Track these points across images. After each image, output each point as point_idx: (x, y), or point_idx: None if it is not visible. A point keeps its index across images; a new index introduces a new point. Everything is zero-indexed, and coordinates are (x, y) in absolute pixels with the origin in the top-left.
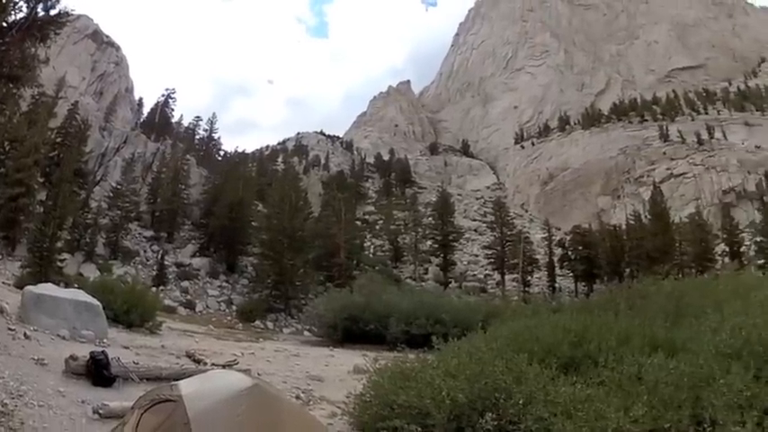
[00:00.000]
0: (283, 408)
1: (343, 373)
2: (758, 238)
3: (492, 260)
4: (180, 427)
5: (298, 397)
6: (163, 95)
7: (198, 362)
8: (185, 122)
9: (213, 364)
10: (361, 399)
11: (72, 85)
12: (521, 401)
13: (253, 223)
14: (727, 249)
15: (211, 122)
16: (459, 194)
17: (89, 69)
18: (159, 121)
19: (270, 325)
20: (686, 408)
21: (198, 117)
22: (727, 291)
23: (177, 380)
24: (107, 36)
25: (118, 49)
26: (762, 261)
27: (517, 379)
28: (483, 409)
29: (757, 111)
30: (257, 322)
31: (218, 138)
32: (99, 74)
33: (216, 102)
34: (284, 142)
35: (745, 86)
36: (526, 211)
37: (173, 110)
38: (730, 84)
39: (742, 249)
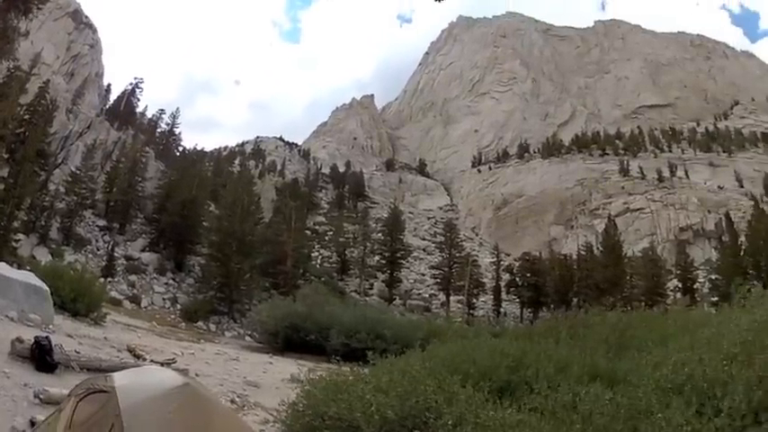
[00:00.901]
0: (214, 410)
1: (279, 380)
2: (713, 276)
3: (438, 280)
4: (112, 418)
5: (233, 401)
6: (131, 84)
7: (138, 357)
8: (149, 114)
9: (152, 361)
10: (294, 407)
11: (46, 62)
12: (450, 422)
13: (204, 223)
14: (680, 285)
15: (174, 117)
16: (410, 213)
17: (65, 48)
18: (124, 110)
19: (212, 327)
20: None
21: (162, 110)
22: (675, 326)
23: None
24: (86, 16)
25: (95, 31)
26: (716, 298)
27: (448, 400)
28: (412, 426)
29: (724, 152)
30: (200, 323)
31: (179, 133)
32: (73, 54)
33: (182, 96)
34: (243, 144)
35: (714, 128)
36: (477, 235)
37: (138, 100)
38: (698, 124)
39: (695, 286)
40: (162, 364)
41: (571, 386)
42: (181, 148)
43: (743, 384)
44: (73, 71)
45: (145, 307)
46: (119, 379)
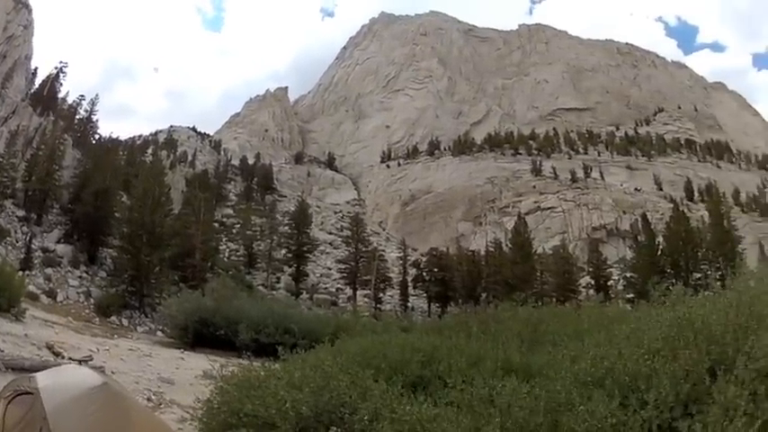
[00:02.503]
0: (133, 410)
1: (192, 377)
2: (628, 274)
3: (345, 274)
4: (39, 421)
5: (149, 399)
6: (56, 68)
7: (57, 355)
8: (70, 100)
9: (70, 359)
10: (209, 405)
11: None
12: (366, 418)
13: (116, 214)
14: (593, 282)
15: (93, 103)
16: (318, 206)
17: (1, 29)
18: (47, 96)
19: (125, 322)
20: (544, 431)
21: (82, 96)
22: (589, 321)
23: (38, 371)
24: None
25: (30, 11)
26: (631, 295)
27: (363, 395)
28: (328, 423)
29: (643, 156)
30: (113, 318)
31: (97, 120)
32: (8, 35)
33: (103, 82)
34: (156, 134)
35: (635, 132)
36: (383, 230)
37: (61, 84)
38: (618, 128)
39: (609, 283)
40: (79, 362)
41: (486, 380)
42: (97, 136)
43: (669, 378)
44: (5, 53)
45: (60, 301)
46: (41, 380)
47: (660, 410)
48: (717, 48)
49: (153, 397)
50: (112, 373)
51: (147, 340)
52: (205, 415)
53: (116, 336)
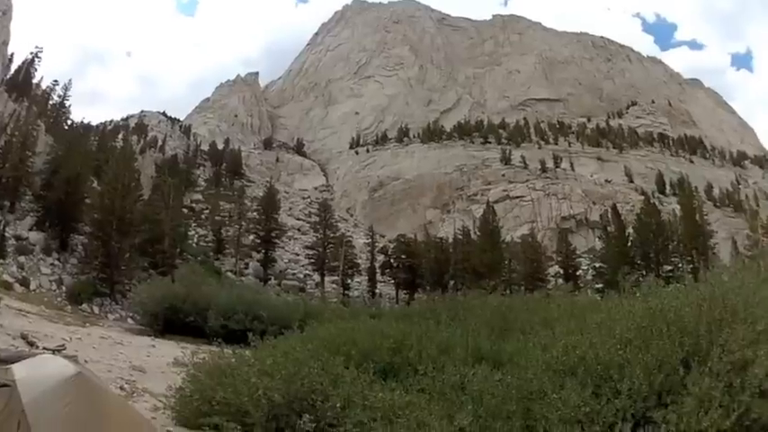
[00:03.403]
0: (107, 400)
1: (164, 364)
2: (597, 264)
3: (313, 260)
4: (18, 414)
5: (122, 388)
6: (31, 54)
7: (31, 344)
8: (43, 85)
9: (44, 348)
10: (182, 393)
11: None
12: (338, 405)
13: (87, 200)
14: (561, 271)
15: (66, 88)
16: (286, 192)
17: None
18: (22, 81)
19: (96, 309)
20: (517, 419)
21: (55, 81)
22: (559, 310)
23: (14, 363)
24: None
25: None
26: (600, 285)
27: (334, 382)
28: (300, 410)
29: (614, 148)
30: (85, 305)
31: (70, 106)
32: None
33: (76, 67)
34: (127, 119)
35: (606, 125)
36: (351, 216)
37: (36, 70)
38: (589, 120)
39: (578, 273)
40: (53, 351)
41: (457, 367)
42: (70, 122)
43: (642, 368)
44: None
45: (34, 290)
46: (18, 371)
47: (634, 400)
48: (695, 46)
49: (126, 386)
50: (86, 361)
51: (118, 328)
52: (178, 403)
53: (88, 324)
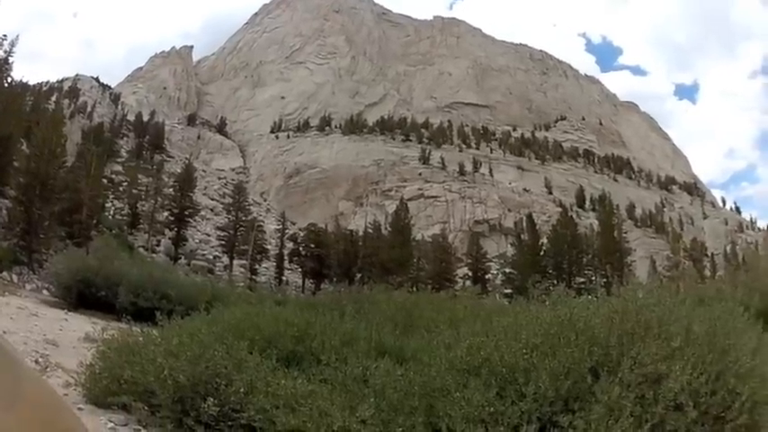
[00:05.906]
0: (23, 375)
1: (76, 339)
2: (507, 270)
3: (223, 242)
4: None
5: (36, 362)
6: None
7: None
8: None
9: None
10: (92, 370)
11: None
12: (242, 390)
13: (15, 163)
14: (470, 274)
15: (12, 44)
16: (204, 170)
17: None
18: None
19: (15, 278)
20: (419, 415)
21: (4, 35)
22: (465, 311)
23: None
24: None
25: None
26: (509, 291)
27: (238, 366)
28: (205, 393)
29: (537, 159)
30: (5, 273)
31: (12, 63)
32: None
33: (23, 24)
34: (62, 81)
35: (532, 136)
36: (265, 200)
37: None
38: (515, 129)
39: (488, 277)
40: None
41: (360, 360)
42: (10, 80)
43: (548, 373)
44: None
45: None
46: None
47: (540, 404)
48: (638, 71)
49: (40, 359)
50: (4, 333)
51: (33, 299)
52: (88, 380)
53: (6, 293)
